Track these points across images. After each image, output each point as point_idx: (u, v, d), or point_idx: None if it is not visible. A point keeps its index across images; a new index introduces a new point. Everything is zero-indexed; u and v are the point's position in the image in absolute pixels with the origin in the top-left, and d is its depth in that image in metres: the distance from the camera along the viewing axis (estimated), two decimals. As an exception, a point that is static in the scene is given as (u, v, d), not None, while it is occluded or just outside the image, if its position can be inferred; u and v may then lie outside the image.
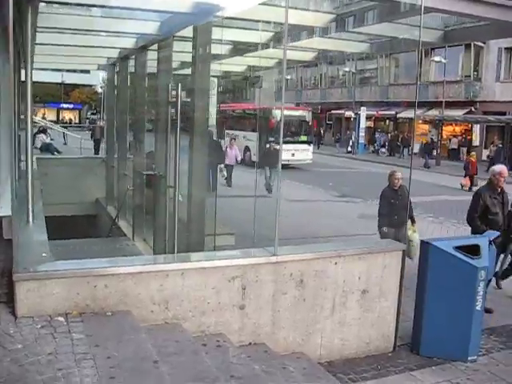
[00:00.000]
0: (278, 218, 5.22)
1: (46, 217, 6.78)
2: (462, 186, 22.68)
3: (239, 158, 20.85)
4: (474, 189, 22.01)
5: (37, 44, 8.89)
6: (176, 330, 4.66)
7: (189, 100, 7.07)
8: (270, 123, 26.48)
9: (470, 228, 7.82)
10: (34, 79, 6.19)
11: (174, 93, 6.34)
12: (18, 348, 3.72)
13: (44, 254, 4.78)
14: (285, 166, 25.66)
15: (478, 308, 5.98)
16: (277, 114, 27.01)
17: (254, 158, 26.24)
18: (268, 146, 19.51)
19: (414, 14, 5.95)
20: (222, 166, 19.30)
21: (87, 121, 66.42)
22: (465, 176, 23.26)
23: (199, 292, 4.86)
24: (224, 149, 19.95)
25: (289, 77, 54.28)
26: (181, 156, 6.66)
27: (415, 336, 6.22)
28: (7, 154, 6.49)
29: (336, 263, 5.47)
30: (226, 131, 26.95)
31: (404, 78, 41.16)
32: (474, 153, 25.42)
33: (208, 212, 7.43)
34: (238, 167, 20.58)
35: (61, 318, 4.22)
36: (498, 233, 6.83)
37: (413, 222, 8.80)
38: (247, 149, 27.79)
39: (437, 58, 33.57)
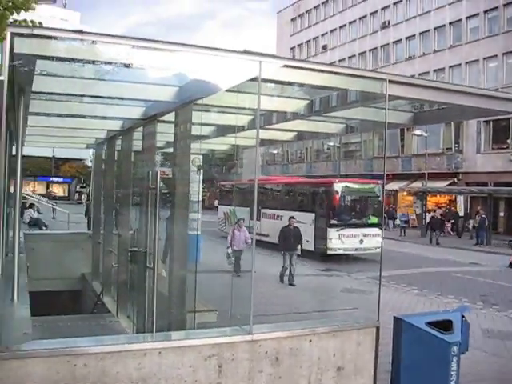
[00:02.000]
0: (252, 297, 5.38)
1: (31, 292, 6.91)
2: None
3: (249, 241, 16.75)
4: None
5: (29, 126, 9.23)
6: (153, 409, 4.75)
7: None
8: (334, 199, 22.79)
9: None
10: (26, 153, 6.38)
11: (154, 177, 6.72)
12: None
13: (26, 332, 4.88)
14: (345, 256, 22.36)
15: (452, 383, 6.07)
16: (343, 187, 23.35)
17: (310, 247, 22.09)
18: (288, 223, 16.99)
19: (382, 100, 6.40)
20: (230, 251, 17.25)
21: (76, 194, 66.82)
22: None
23: (176, 370, 4.94)
24: (231, 232, 17.76)
25: (275, 151, 55.56)
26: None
27: (392, 412, 6.27)
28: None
29: (311, 340, 5.58)
30: (263, 210, 23.46)
31: (388, 150, 42.18)
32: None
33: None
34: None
35: (39, 399, 4.30)
36: (469, 308, 6.87)
37: None
38: None
39: (418, 132, 34.70)
